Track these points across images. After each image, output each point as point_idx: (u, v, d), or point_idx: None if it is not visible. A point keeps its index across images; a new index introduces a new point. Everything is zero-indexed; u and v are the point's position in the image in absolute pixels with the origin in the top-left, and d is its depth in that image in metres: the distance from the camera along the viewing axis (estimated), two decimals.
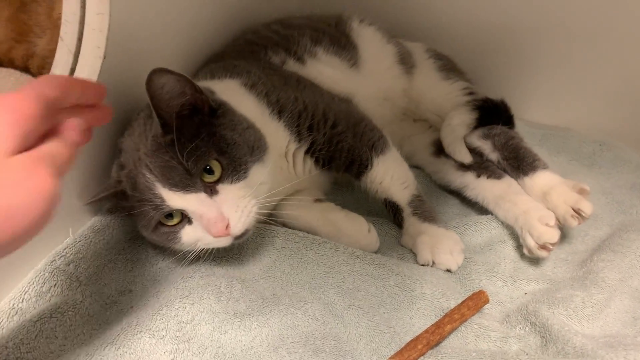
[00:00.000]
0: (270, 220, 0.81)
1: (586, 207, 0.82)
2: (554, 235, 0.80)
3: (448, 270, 0.81)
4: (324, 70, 0.97)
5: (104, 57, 0.72)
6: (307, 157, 0.86)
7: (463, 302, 0.72)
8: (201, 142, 0.66)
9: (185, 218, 0.69)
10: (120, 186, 0.70)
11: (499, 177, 0.92)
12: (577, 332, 0.67)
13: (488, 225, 0.89)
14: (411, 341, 0.67)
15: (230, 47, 1.03)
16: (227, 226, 0.66)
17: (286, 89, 0.86)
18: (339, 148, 0.85)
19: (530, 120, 1.21)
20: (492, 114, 0.99)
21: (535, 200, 0.87)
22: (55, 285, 0.70)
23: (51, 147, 0.44)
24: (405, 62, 1.08)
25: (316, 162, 0.87)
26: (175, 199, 0.66)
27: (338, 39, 1.03)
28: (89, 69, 0.73)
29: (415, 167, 1.00)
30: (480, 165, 0.95)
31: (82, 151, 0.51)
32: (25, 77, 1.21)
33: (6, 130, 0.40)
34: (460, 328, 0.70)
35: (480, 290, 0.73)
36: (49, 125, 0.46)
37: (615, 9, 1.06)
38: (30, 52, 1.20)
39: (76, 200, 0.75)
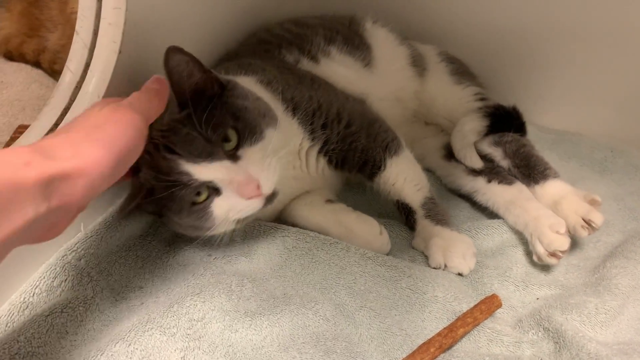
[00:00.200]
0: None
1: (597, 218, 0.82)
2: (564, 243, 0.79)
3: (460, 274, 0.80)
4: (338, 69, 0.97)
5: (120, 52, 0.72)
6: (320, 156, 0.86)
7: (476, 305, 0.71)
8: (216, 111, 0.65)
9: (213, 192, 0.67)
10: (146, 184, 0.67)
11: (510, 183, 0.92)
12: (591, 338, 0.67)
13: (499, 230, 0.88)
14: (423, 344, 0.66)
15: (243, 46, 1.03)
16: (258, 187, 0.66)
17: (300, 88, 0.86)
18: (353, 148, 0.85)
19: (541, 125, 1.21)
20: (504, 121, 0.98)
21: (546, 207, 0.86)
22: (66, 280, 0.70)
23: (129, 98, 0.59)
24: (418, 64, 1.08)
25: (329, 161, 0.87)
26: (202, 171, 0.64)
27: (352, 39, 1.02)
28: (104, 64, 0.72)
29: (425, 169, 0.99)
30: (491, 171, 0.95)
31: None
32: (36, 72, 1.22)
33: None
34: (472, 332, 0.70)
35: (493, 294, 0.73)
36: None
37: (628, 14, 1.06)
38: (42, 46, 1.20)
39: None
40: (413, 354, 0.65)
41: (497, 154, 0.97)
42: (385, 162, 0.86)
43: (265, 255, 0.79)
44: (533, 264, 0.84)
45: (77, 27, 0.74)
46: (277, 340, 0.66)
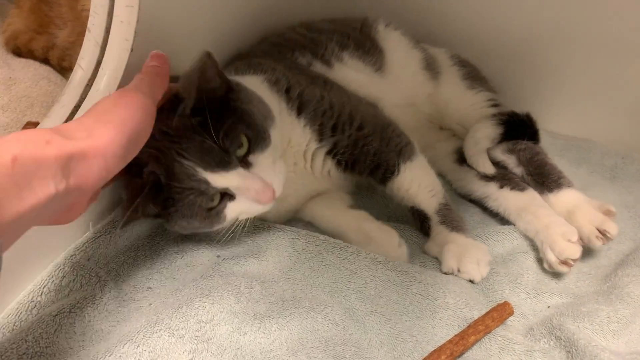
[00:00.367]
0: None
1: (612, 228, 0.81)
2: (576, 251, 0.78)
3: (471, 281, 0.79)
4: (350, 73, 0.96)
5: (132, 50, 0.72)
6: (328, 157, 0.85)
7: (487, 313, 0.70)
8: (228, 118, 0.66)
9: (226, 196, 0.68)
10: (149, 184, 0.65)
11: (522, 189, 0.91)
12: (604, 347, 0.66)
13: (510, 236, 0.88)
14: (434, 351, 0.66)
15: (256, 48, 1.02)
16: (273, 192, 0.69)
17: (312, 87, 0.85)
18: (365, 151, 0.84)
19: (551, 131, 1.20)
20: (518, 129, 0.98)
21: (557, 215, 0.86)
22: (74, 279, 0.69)
23: (133, 82, 0.60)
24: (431, 68, 1.07)
25: (338, 163, 0.86)
26: (218, 180, 0.65)
27: (363, 44, 1.02)
28: (115, 62, 0.72)
29: (436, 174, 0.98)
30: (503, 177, 0.94)
31: None
32: (44, 68, 1.21)
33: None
34: (483, 340, 0.69)
35: (504, 302, 0.72)
36: None
37: (639, 20, 1.05)
38: (51, 43, 1.20)
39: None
40: None
41: (510, 161, 0.96)
42: (399, 167, 0.85)
43: (274, 257, 0.78)
44: (544, 271, 0.83)
45: (89, 25, 0.73)
46: (286, 344, 0.65)
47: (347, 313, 0.70)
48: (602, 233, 0.81)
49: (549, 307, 0.78)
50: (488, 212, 0.96)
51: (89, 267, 0.71)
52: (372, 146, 0.84)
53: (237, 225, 0.72)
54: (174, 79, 0.75)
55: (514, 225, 0.89)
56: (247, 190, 0.67)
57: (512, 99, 1.12)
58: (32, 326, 0.61)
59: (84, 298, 0.67)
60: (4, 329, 0.63)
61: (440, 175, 1.04)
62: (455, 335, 0.68)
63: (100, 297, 0.68)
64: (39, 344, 0.60)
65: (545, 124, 1.19)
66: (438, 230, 0.85)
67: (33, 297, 0.66)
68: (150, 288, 0.73)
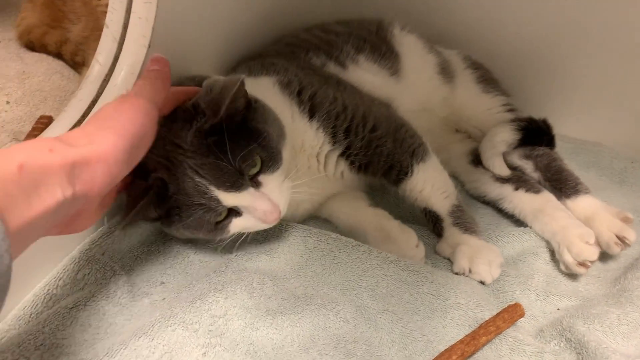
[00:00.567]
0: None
1: (630, 234, 0.82)
2: (593, 253, 0.79)
3: (482, 283, 0.80)
4: (365, 76, 0.96)
5: (149, 47, 0.72)
6: (342, 159, 0.85)
7: (498, 314, 0.71)
8: (245, 140, 0.66)
9: (233, 212, 0.69)
10: (154, 188, 0.65)
11: (537, 192, 0.92)
12: (614, 350, 0.66)
13: (520, 238, 0.88)
14: (445, 351, 0.66)
15: (270, 48, 1.02)
16: (280, 212, 0.69)
17: (325, 88, 0.85)
18: (378, 152, 0.84)
19: (561, 134, 1.19)
20: (535, 136, 0.98)
21: (574, 217, 0.86)
22: (89, 273, 0.70)
23: (134, 87, 0.60)
24: (445, 72, 1.08)
25: (351, 165, 0.86)
26: (229, 199, 0.66)
27: (379, 47, 1.02)
28: (133, 58, 0.72)
29: (449, 174, 0.99)
30: (519, 179, 0.95)
31: None
32: (57, 63, 1.22)
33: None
34: (494, 340, 0.69)
35: (516, 303, 0.72)
36: None
37: None
38: (64, 38, 1.21)
39: None
40: None
41: (527, 167, 0.97)
42: (412, 168, 0.85)
43: (286, 255, 0.78)
44: (554, 273, 0.84)
45: (107, 21, 0.74)
46: (298, 341, 0.66)
47: (359, 311, 0.71)
48: (621, 240, 0.82)
49: (558, 309, 0.78)
50: (502, 214, 0.96)
51: (103, 261, 0.71)
52: (386, 147, 0.84)
53: (239, 237, 0.73)
54: (189, 79, 0.75)
55: (529, 227, 0.90)
56: (255, 210, 0.68)
57: (522, 102, 1.12)
58: (48, 318, 0.62)
59: (99, 292, 0.67)
60: (20, 320, 0.64)
61: (453, 176, 1.04)
62: (467, 336, 0.68)
63: (114, 291, 0.69)
64: (55, 335, 0.60)
65: (555, 127, 1.18)
66: (451, 231, 0.85)
67: (49, 289, 0.67)
68: (163, 283, 0.74)
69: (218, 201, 0.65)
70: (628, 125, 1.17)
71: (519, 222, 0.93)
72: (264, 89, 0.79)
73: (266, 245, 0.79)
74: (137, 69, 0.72)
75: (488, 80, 1.09)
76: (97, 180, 0.49)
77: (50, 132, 0.71)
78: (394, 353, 0.67)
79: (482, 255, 0.80)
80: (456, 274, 0.81)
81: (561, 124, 1.21)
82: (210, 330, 0.64)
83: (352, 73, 0.97)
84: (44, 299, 0.66)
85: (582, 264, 0.79)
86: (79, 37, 1.17)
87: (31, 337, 0.59)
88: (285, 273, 0.75)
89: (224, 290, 0.69)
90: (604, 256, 0.88)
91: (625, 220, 0.84)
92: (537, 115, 1.03)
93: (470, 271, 0.80)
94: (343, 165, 0.86)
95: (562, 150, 1.12)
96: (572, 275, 0.83)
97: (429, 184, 0.86)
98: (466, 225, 0.85)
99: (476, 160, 1.00)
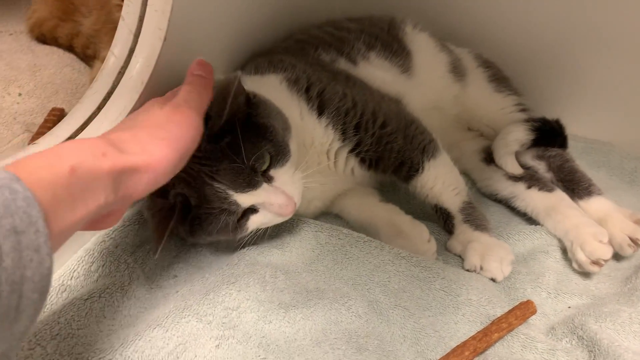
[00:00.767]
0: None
1: None
2: (607, 252, 0.79)
3: (493, 280, 0.80)
4: (375, 72, 0.96)
5: (165, 39, 0.72)
6: (351, 156, 0.85)
7: (511, 311, 0.71)
8: (253, 137, 0.66)
9: (248, 210, 0.69)
10: (179, 206, 0.66)
11: (550, 190, 0.92)
12: (627, 348, 0.66)
13: (531, 236, 0.88)
14: (457, 347, 0.66)
15: (279, 45, 1.02)
16: (295, 204, 0.70)
17: (334, 84, 0.84)
18: (388, 149, 0.84)
19: (572, 133, 1.17)
20: (548, 136, 0.98)
21: (587, 216, 0.86)
22: (103, 265, 0.70)
23: (183, 94, 0.60)
24: (457, 71, 1.07)
25: (362, 162, 0.86)
26: (247, 199, 0.67)
27: (390, 45, 1.02)
28: (148, 50, 0.72)
29: (460, 172, 0.99)
30: (531, 177, 0.95)
31: None
32: (68, 56, 1.22)
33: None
34: (506, 337, 0.69)
35: (528, 300, 0.72)
36: None
37: None
38: (76, 31, 1.21)
39: None
40: (447, 355, 0.65)
41: (540, 167, 0.98)
42: (423, 165, 0.85)
43: (297, 249, 0.79)
44: (565, 271, 0.84)
45: (122, 13, 0.74)
46: (310, 334, 0.66)
47: (371, 306, 0.71)
48: (634, 241, 0.82)
49: (569, 307, 0.78)
50: (513, 212, 0.96)
51: (117, 253, 0.72)
52: (396, 144, 0.84)
53: (258, 233, 0.74)
54: None
55: (542, 225, 0.90)
56: (270, 205, 0.69)
57: (533, 100, 1.12)
58: (63, 309, 0.62)
59: (113, 284, 0.68)
60: None
61: (465, 174, 1.04)
62: (479, 332, 0.68)
63: (129, 284, 0.69)
64: (70, 326, 0.61)
65: (566, 126, 1.19)
66: (461, 228, 0.85)
67: (63, 280, 0.67)
68: (176, 276, 0.74)
69: (237, 204, 0.66)
70: (639, 125, 1.16)
71: (529, 220, 0.93)
72: (271, 87, 0.80)
73: (278, 240, 0.79)
74: (152, 62, 0.72)
75: (500, 79, 1.09)
76: (140, 187, 0.49)
77: (65, 124, 0.71)
78: (406, 348, 0.67)
79: (493, 252, 0.80)
80: (467, 271, 0.81)
81: (572, 123, 1.20)
82: (223, 323, 0.64)
83: (362, 69, 0.96)
84: (58, 290, 0.66)
85: (595, 262, 0.79)
86: (91, 30, 1.17)
87: (47, 327, 0.59)
88: (297, 267, 0.76)
89: (237, 283, 0.69)
90: (615, 255, 0.87)
91: (638, 222, 0.85)
92: (548, 113, 1.03)
93: (481, 268, 0.80)
94: (353, 162, 0.86)
95: (573, 149, 1.12)
96: (583, 274, 0.83)
97: (440, 180, 0.86)
98: (477, 222, 0.85)
99: (488, 158, 1.00)
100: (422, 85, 1.03)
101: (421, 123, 0.89)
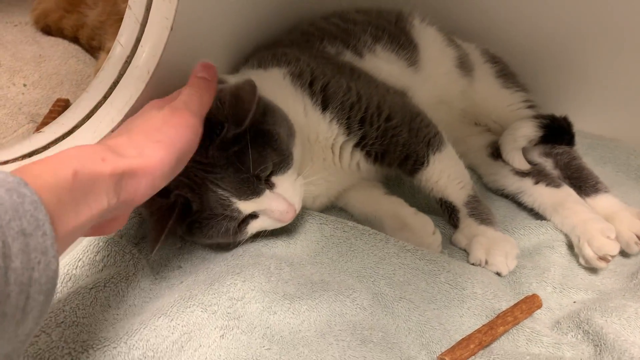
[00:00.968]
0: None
1: None
2: (615, 247, 0.79)
3: (498, 274, 0.80)
4: (381, 64, 0.95)
5: (172, 29, 0.72)
6: (356, 150, 0.85)
7: (516, 304, 0.71)
8: (259, 146, 0.67)
9: (250, 216, 0.70)
10: (178, 207, 0.65)
11: (557, 186, 0.91)
12: (633, 342, 0.66)
13: (537, 231, 0.88)
14: (463, 340, 0.66)
15: (284, 37, 1.01)
16: (295, 210, 0.71)
17: (338, 78, 0.84)
18: (394, 142, 0.83)
19: (578, 129, 1.16)
20: (556, 134, 0.98)
21: (594, 212, 0.86)
22: (108, 255, 0.70)
23: (183, 97, 0.60)
24: (464, 66, 1.07)
25: (367, 155, 0.85)
26: (250, 206, 0.68)
27: (398, 37, 1.01)
28: (155, 39, 0.72)
29: (466, 167, 0.98)
30: (539, 173, 0.94)
31: None
32: (73, 47, 1.22)
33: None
34: (511, 331, 0.69)
35: (533, 294, 0.72)
36: None
37: None
38: (81, 22, 1.20)
39: None
40: (452, 348, 0.65)
41: (547, 164, 0.97)
42: (428, 158, 0.84)
43: (302, 242, 0.78)
44: (570, 266, 0.83)
45: (129, 1, 0.73)
46: (314, 326, 0.66)
47: (375, 298, 0.71)
48: None
49: (575, 302, 0.78)
50: (518, 206, 0.96)
51: (122, 244, 0.72)
52: (402, 137, 0.84)
53: (257, 235, 0.74)
54: None
55: (548, 220, 0.90)
56: (271, 212, 0.69)
57: (539, 96, 1.12)
58: (68, 297, 0.62)
59: (118, 274, 0.68)
60: None
61: (471, 169, 1.03)
62: (484, 325, 0.68)
63: (134, 274, 0.69)
64: (75, 314, 0.60)
65: (572, 121, 1.19)
66: (467, 222, 0.85)
67: (68, 269, 0.67)
68: (180, 267, 0.74)
69: (239, 211, 0.67)
70: None
71: (535, 215, 0.92)
72: (274, 82, 0.79)
73: (282, 232, 0.79)
74: (158, 51, 0.71)
75: (508, 75, 1.09)
76: (140, 191, 0.50)
77: (71, 113, 0.71)
78: (411, 341, 0.67)
79: (499, 246, 0.80)
80: (472, 265, 0.81)
81: (578, 119, 1.19)
82: (228, 313, 0.64)
83: (368, 62, 0.96)
84: (63, 279, 0.66)
85: (602, 258, 0.79)
86: (96, 22, 1.17)
87: (52, 315, 0.59)
88: (301, 259, 0.75)
89: (241, 273, 0.69)
90: (620, 251, 0.87)
91: None
92: (554, 109, 1.03)
93: (486, 262, 0.80)
94: (358, 156, 0.85)
95: (579, 145, 1.11)
96: (588, 269, 0.83)
97: (445, 174, 0.85)
98: (482, 216, 0.84)
99: (495, 153, 1.00)
100: (429, 79, 1.02)
101: (426, 116, 0.88)
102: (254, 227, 0.71)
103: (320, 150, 0.83)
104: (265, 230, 0.74)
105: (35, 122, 0.99)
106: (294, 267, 0.73)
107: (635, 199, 0.96)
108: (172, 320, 0.62)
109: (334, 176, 0.86)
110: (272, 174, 0.69)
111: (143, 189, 0.50)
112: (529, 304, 0.71)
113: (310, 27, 1.02)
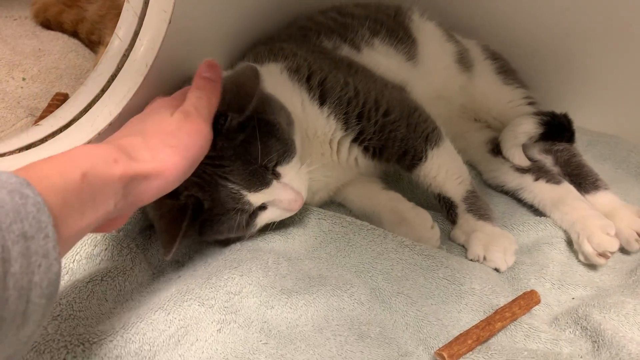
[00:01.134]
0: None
1: None
2: (614, 244, 0.79)
3: (496, 270, 0.79)
4: (379, 58, 0.95)
5: (170, 22, 0.72)
6: (354, 145, 0.84)
7: (514, 300, 0.70)
8: (265, 136, 0.67)
9: (259, 208, 0.70)
10: (190, 208, 0.65)
11: (557, 182, 0.91)
12: (631, 338, 0.66)
13: (536, 227, 0.88)
14: (460, 335, 0.66)
15: (281, 32, 1.01)
16: (302, 198, 0.71)
17: (336, 73, 0.83)
18: (392, 137, 0.83)
19: (578, 126, 1.16)
20: (556, 131, 0.98)
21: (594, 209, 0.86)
22: (106, 249, 0.70)
23: (192, 101, 0.59)
24: (463, 61, 1.07)
25: (365, 151, 0.85)
26: (259, 197, 0.68)
27: (396, 31, 1.01)
28: (153, 33, 0.72)
29: (466, 163, 0.98)
30: (539, 169, 0.94)
31: None
32: (72, 41, 1.22)
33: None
34: (509, 326, 0.69)
35: (532, 290, 0.72)
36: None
37: None
38: (81, 16, 1.20)
39: None
40: (450, 344, 0.65)
41: (547, 161, 0.97)
42: (426, 153, 0.84)
43: (300, 237, 0.78)
44: (569, 263, 0.83)
45: None
46: (312, 321, 0.66)
47: (373, 293, 0.71)
48: None
49: (573, 298, 0.77)
50: (517, 202, 0.96)
51: (120, 238, 0.72)
52: (400, 132, 0.83)
53: (266, 227, 0.75)
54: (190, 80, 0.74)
55: (547, 216, 0.90)
56: (280, 202, 0.70)
57: (539, 92, 1.12)
58: (65, 291, 0.62)
59: (115, 268, 0.68)
60: None
61: (470, 165, 1.03)
62: (482, 321, 0.68)
63: (131, 268, 0.69)
64: (72, 307, 0.60)
65: (572, 118, 1.18)
66: (465, 218, 0.85)
67: (65, 263, 0.67)
68: (178, 261, 0.74)
69: (250, 203, 0.67)
70: None
71: (534, 211, 0.92)
72: (271, 77, 0.79)
73: (280, 227, 0.79)
74: (157, 44, 0.71)
75: (508, 71, 1.09)
76: (149, 193, 0.50)
77: (69, 106, 0.71)
78: (408, 336, 0.67)
79: (497, 242, 0.80)
80: (470, 260, 0.81)
81: (578, 116, 1.19)
82: (225, 307, 0.64)
83: (366, 56, 0.95)
84: (61, 273, 0.65)
85: (602, 254, 0.79)
86: (95, 16, 1.17)
87: None
88: (299, 254, 0.75)
89: (239, 267, 0.69)
90: (619, 248, 0.87)
91: None
92: (554, 106, 1.03)
93: (484, 258, 0.80)
94: (356, 151, 0.85)
95: (579, 142, 1.11)
96: (587, 265, 0.83)
97: (443, 169, 0.85)
98: (481, 211, 0.84)
99: (495, 149, 0.99)
100: (428, 74, 1.02)
101: (424, 111, 0.88)
102: (262, 219, 0.72)
103: (318, 145, 0.83)
104: (272, 225, 0.74)
105: (33, 116, 0.99)
106: (291, 262, 0.72)
107: (635, 196, 0.96)
108: (169, 314, 0.61)
109: (333, 171, 0.86)
110: (277, 164, 0.69)
111: (153, 192, 0.50)
112: (527, 300, 0.70)
113: (307, 21, 1.02)
